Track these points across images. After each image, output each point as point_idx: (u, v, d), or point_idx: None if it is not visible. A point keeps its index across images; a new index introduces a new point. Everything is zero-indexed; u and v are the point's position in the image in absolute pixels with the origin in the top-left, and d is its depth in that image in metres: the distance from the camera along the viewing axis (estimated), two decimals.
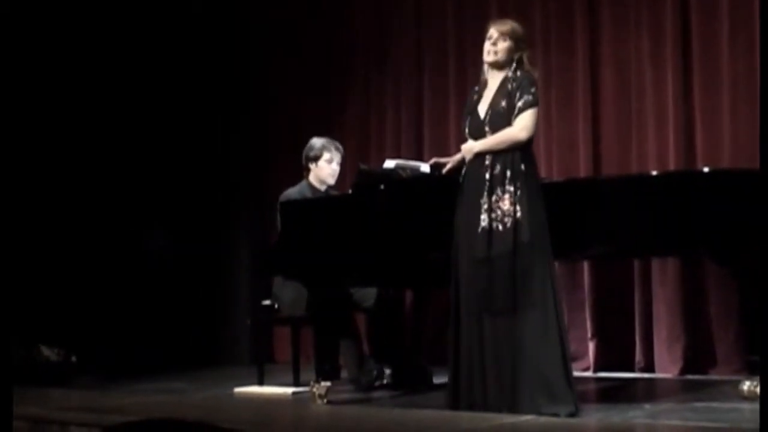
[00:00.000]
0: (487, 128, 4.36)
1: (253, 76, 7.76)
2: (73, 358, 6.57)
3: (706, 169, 4.83)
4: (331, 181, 5.78)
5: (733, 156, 5.62)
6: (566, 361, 4.24)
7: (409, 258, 4.85)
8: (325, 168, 5.74)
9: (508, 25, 4.44)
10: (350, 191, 5.26)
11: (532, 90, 4.34)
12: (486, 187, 4.28)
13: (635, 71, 6.11)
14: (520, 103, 4.31)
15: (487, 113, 4.39)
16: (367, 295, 5.62)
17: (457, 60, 6.85)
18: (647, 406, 4.47)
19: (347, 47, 7.46)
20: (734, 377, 5.08)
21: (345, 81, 7.46)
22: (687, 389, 5.35)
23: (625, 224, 4.51)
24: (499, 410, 4.16)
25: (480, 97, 4.48)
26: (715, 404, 4.50)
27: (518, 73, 4.39)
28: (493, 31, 4.42)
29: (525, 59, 4.42)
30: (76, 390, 5.87)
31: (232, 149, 7.77)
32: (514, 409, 4.14)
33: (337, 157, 5.77)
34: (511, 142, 4.31)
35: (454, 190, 4.47)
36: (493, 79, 4.45)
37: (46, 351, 6.54)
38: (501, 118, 4.34)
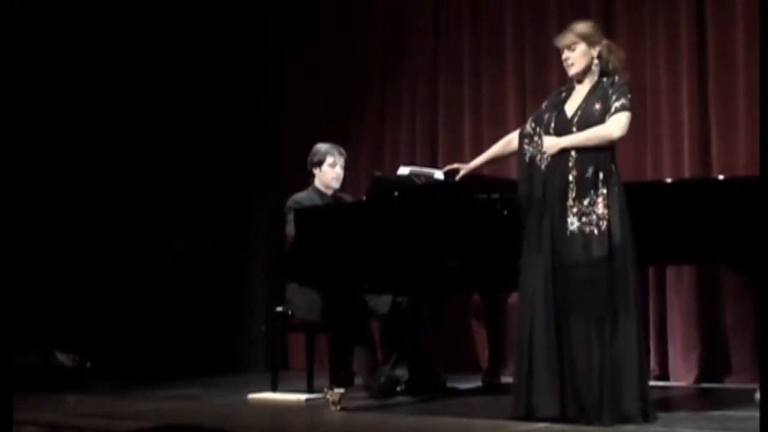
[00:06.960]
0: (574, 128, 4.24)
1: (272, 83, 7.78)
2: (88, 364, 6.58)
3: (721, 177, 4.81)
4: (336, 184, 5.79)
5: (749, 163, 5.60)
6: (644, 368, 4.21)
7: (424, 265, 4.84)
8: (329, 172, 5.75)
9: (568, 35, 4.33)
10: (365, 198, 5.26)
11: (629, 96, 4.24)
12: (574, 190, 4.16)
13: (650, 78, 6.10)
14: (617, 104, 4.21)
15: (576, 113, 4.27)
16: (382, 302, 5.62)
17: (471, 68, 6.85)
18: (662, 414, 4.43)
19: (363, 55, 7.48)
20: (750, 386, 5.02)
21: (361, 89, 7.47)
22: (702, 398, 5.34)
23: (640, 232, 4.49)
24: (579, 422, 4.06)
25: (568, 96, 4.37)
26: (730, 413, 4.48)
27: (616, 78, 4.29)
28: (561, 49, 4.36)
29: (604, 52, 4.30)
30: (91, 396, 5.88)
31: (250, 156, 7.78)
32: (596, 421, 4.04)
33: (340, 161, 5.78)
34: (601, 140, 4.20)
35: (468, 196, 4.45)
36: (583, 84, 4.35)
37: (61, 356, 6.55)
38: (591, 118, 4.22)
